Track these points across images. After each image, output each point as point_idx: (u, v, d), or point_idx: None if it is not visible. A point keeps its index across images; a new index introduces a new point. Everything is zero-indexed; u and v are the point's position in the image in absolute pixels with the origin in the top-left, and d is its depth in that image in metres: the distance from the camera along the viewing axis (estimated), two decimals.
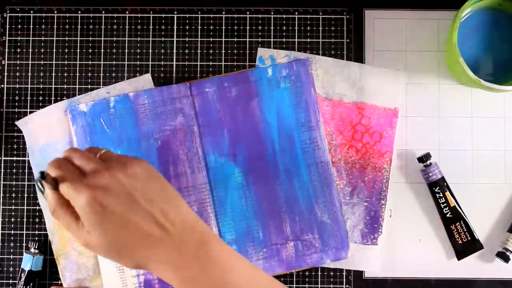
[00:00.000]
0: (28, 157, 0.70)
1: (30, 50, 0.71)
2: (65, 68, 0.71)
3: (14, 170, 0.70)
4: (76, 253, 0.69)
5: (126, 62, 0.71)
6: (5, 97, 0.71)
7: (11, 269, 0.69)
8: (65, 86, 0.71)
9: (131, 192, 0.50)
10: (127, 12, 0.71)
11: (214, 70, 0.71)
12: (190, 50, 0.71)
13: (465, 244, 0.68)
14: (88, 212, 0.48)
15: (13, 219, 0.70)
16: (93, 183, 0.49)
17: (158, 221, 0.49)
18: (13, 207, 0.70)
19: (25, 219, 0.70)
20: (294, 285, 0.69)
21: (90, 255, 0.68)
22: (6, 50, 0.71)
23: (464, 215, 0.68)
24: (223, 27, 0.71)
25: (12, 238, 0.70)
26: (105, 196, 0.49)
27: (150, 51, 0.71)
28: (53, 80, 0.71)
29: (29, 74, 0.71)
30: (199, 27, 0.71)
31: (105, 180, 0.49)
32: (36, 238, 0.70)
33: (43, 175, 0.50)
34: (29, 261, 0.68)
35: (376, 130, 0.70)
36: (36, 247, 0.68)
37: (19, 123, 0.70)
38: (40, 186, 0.51)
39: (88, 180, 0.49)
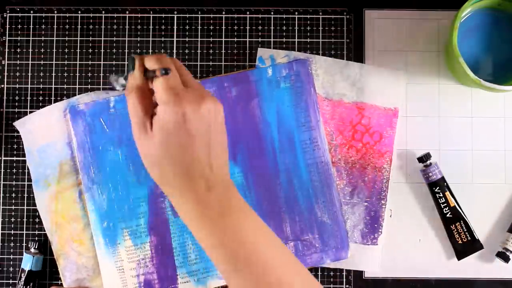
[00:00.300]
0: None
1: (30, 50, 0.71)
2: (65, 68, 0.71)
3: (14, 170, 0.70)
4: (75, 254, 0.69)
5: (126, 62, 0.71)
6: (5, 97, 0.71)
7: (11, 269, 0.69)
8: (65, 86, 0.71)
9: (211, 126, 0.51)
10: (127, 12, 0.71)
11: (214, 70, 0.71)
12: (190, 50, 0.71)
13: (465, 244, 0.68)
14: (167, 122, 0.50)
15: (13, 219, 0.70)
16: (191, 99, 0.50)
17: (202, 164, 0.51)
18: (13, 207, 0.70)
19: (25, 219, 0.70)
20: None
21: (89, 255, 0.69)
22: (6, 50, 0.71)
23: (464, 215, 0.68)
24: (223, 27, 0.71)
25: (12, 238, 0.70)
26: (194, 118, 0.50)
27: (150, 51, 0.71)
28: (53, 80, 0.71)
29: (29, 74, 0.71)
30: (199, 27, 0.71)
31: (199, 102, 0.50)
32: (36, 238, 0.70)
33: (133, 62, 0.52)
34: (29, 261, 0.67)
35: (376, 130, 0.70)
36: (36, 247, 0.68)
37: (17, 124, 0.70)
38: (131, 64, 0.52)
39: (188, 94, 0.50)
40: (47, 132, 0.69)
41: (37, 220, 0.70)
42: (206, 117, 0.51)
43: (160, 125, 0.50)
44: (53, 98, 0.70)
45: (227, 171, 0.53)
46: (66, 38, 0.71)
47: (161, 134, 0.50)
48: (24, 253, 0.68)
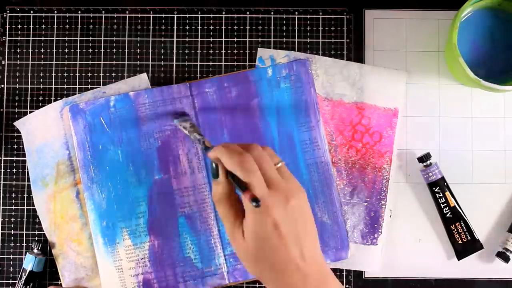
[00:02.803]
0: None
1: (30, 50, 0.71)
2: (65, 68, 0.71)
3: (14, 170, 0.70)
4: (74, 253, 0.69)
5: (126, 62, 0.71)
6: (5, 97, 0.71)
7: (11, 269, 0.69)
8: (65, 86, 0.71)
9: (297, 223, 0.52)
10: (127, 12, 0.71)
11: (214, 70, 0.71)
12: (190, 50, 0.71)
13: (465, 244, 0.68)
14: (258, 232, 0.51)
15: (13, 219, 0.70)
16: (275, 206, 0.51)
17: (301, 254, 0.52)
18: (13, 207, 0.70)
19: (25, 219, 0.70)
20: None
21: (87, 255, 0.68)
22: (6, 50, 0.71)
23: (464, 215, 0.68)
24: (223, 27, 0.71)
25: (12, 238, 0.70)
26: (283, 222, 0.51)
27: (150, 51, 0.71)
28: (53, 80, 0.71)
29: (29, 74, 0.71)
30: (199, 27, 0.71)
31: (284, 206, 0.52)
32: (36, 238, 0.70)
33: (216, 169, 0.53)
34: (31, 262, 0.67)
35: (376, 130, 0.69)
36: (39, 248, 0.68)
37: (17, 124, 0.70)
38: (215, 172, 0.54)
39: (271, 201, 0.51)
40: (44, 132, 0.69)
41: (37, 220, 0.70)
42: (294, 214, 0.52)
43: (251, 235, 0.52)
44: (53, 98, 0.70)
45: (320, 256, 0.55)
46: (66, 38, 0.71)
47: (254, 241, 0.52)
48: (27, 253, 0.68)
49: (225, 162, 0.53)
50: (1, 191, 0.70)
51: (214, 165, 0.54)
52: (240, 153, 0.52)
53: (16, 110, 0.71)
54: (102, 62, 0.71)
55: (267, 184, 0.52)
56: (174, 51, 0.71)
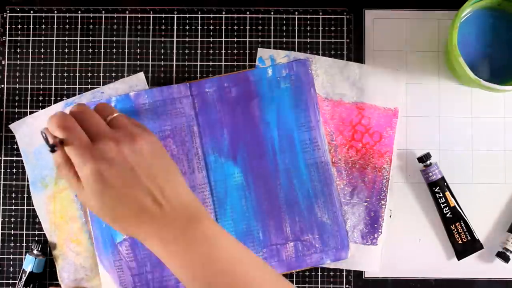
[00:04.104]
0: None
1: (30, 50, 0.71)
2: (65, 68, 0.71)
3: (14, 170, 0.70)
4: (73, 254, 0.68)
5: (126, 62, 0.71)
6: (5, 97, 0.71)
7: (11, 269, 0.69)
8: (65, 86, 0.71)
9: (134, 168, 0.52)
10: (127, 12, 0.71)
11: (214, 70, 0.71)
12: (190, 50, 0.71)
13: (465, 244, 0.68)
14: (90, 181, 0.51)
15: (13, 219, 0.70)
16: (98, 155, 0.51)
17: (154, 198, 0.52)
18: (13, 207, 0.70)
19: (25, 219, 0.70)
20: (294, 285, 0.69)
21: (87, 255, 0.68)
22: (6, 50, 0.71)
23: (464, 215, 0.68)
24: (223, 27, 0.71)
25: (12, 238, 0.70)
26: (108, 170, 0.51)
27: (150, 51, 0.71)
28: (53, 80, 0.71)
29: (29, 74, 0.71)
30: (199, 27, 0.71)
31: (111, 153, 0.51)
32: (36, 239, 0.70)
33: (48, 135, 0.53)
34: (31, 263, 0.67)
35: (376, 130, 0.70)
36: (39, 249, 0.68)
37: (13, 126, 0.69)
38: (46, 141, 0.53)
39: (93, 151, 0.51)
40: None
41: (37, 220, 0.70)
42: (144, 151, 0.53)
43: (88, 189, 0.52)
44: (53, 98, 0.70)
45: (187, 195, 0.54)
46: (66, 38, 0.71)
47: (95, 197, 0.51)
48: (27, 254, 0.68)
49: (48, 128, 0.53)
50: (1, 191, 0.70)
51: (44, 136, 0.53)
52: (56, 115, 0.53)
53: (16, 110, 0.71)
54: (102, 62, 0.71)
55: (92, 136, 0.52)
56: (174, 51, 0.71)
